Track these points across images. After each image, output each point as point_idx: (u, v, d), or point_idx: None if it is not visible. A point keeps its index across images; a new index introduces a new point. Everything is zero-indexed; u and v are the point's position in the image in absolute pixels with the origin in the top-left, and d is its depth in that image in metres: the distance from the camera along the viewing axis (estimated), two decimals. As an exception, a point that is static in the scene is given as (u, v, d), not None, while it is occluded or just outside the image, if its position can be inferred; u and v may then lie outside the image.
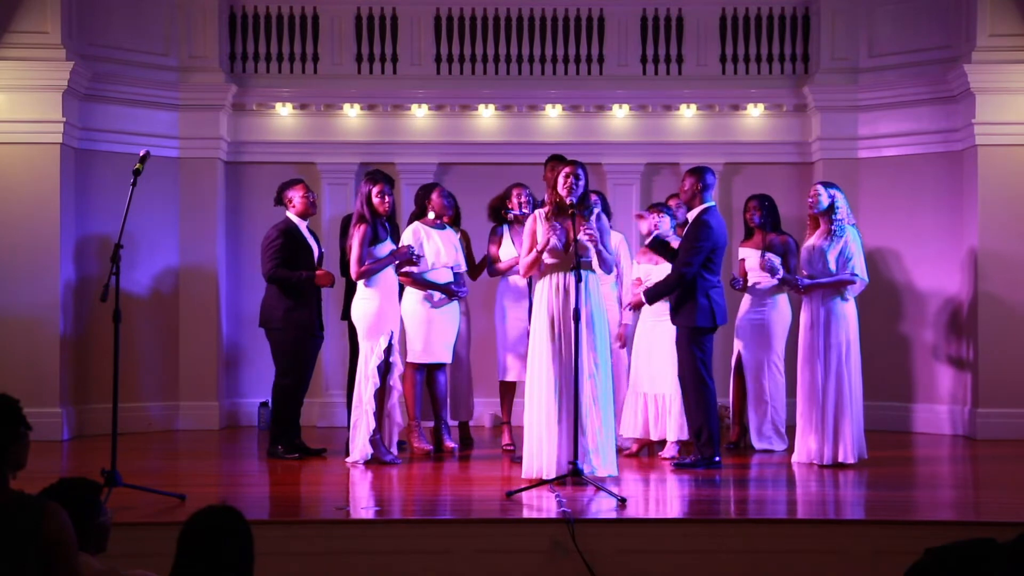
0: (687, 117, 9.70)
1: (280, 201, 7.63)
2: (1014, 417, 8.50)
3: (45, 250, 8.50)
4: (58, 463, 7.35)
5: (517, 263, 7.56)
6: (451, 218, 7.90)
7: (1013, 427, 8.47)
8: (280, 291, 7.44)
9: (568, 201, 6.34)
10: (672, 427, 7.35)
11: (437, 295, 7.45)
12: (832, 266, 7.03)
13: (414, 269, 7.35)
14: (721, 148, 9.69)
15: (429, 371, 7.62)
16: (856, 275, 7.04)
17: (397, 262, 7.18)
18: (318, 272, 7.45)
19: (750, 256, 7.90)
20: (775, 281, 7.63)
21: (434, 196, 7.65)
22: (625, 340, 7.74)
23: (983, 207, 8.67)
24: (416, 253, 7.27)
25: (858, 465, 6.99)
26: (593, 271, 6.50)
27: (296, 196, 7.55)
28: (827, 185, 7.19)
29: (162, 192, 9.19)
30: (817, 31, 9.63)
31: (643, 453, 7.60)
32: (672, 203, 7.84)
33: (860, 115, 9.44)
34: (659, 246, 7.36)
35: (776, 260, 7.38)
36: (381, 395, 7.07)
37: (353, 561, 5.12)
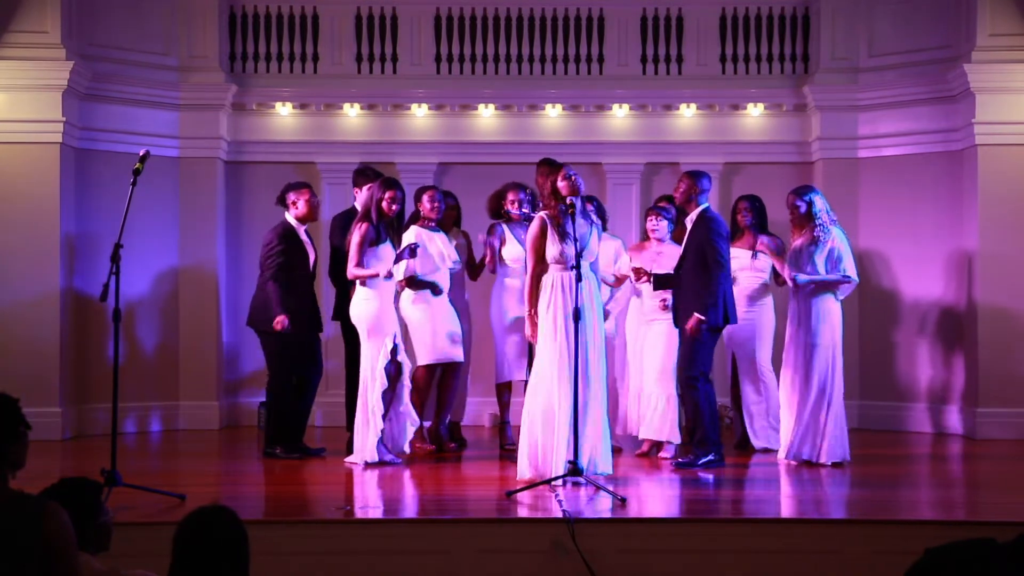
0: (687, 117, 9.70)
1: (282, 202, 7.59)
2: (1014, 417, 8.50)
3: (45, 250, 8.50)
4: (58, 463, 7.34)
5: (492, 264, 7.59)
6: (451, 220, 7.88)
7: (1013, 427, 8.47)
8: (277, 297, 7.39)
9: (570, 201, 6.33)
10: (667, 427, 7.34)
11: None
12: (821, 268, 7.05)
13: (416, 267, 7.32)
14: (721, 148, 9.69)
15: (442, 371, 7.58)
16: (848, 276, 7.06)
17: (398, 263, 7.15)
18: (276, 320, 7.25)
19: (740, 256, 7.88)
20: (764, 280, 7.68)
21: (424, 199, 7.58)
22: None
23: (983, 207, 8.66)
24: (416, 244, 7.21)
25: (858, 465, 6.99)
26: (591, 271, 6.50)
27: (301, 200, 7.51)
28: (800, 193, 7.21)
29: (162, 192, 9.19)
30: (817, 31, 9.63)
31: (653, 452, 7.57)
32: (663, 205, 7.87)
33: (860, 115, 9.44)
34: (663, 280, 7.26)
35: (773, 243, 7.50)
36: (389, 396, 7.05)
37: (353, 561, 5.12)
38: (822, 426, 7.01)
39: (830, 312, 7.07)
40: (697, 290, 6.84)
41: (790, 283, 7.22)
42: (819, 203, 7.08)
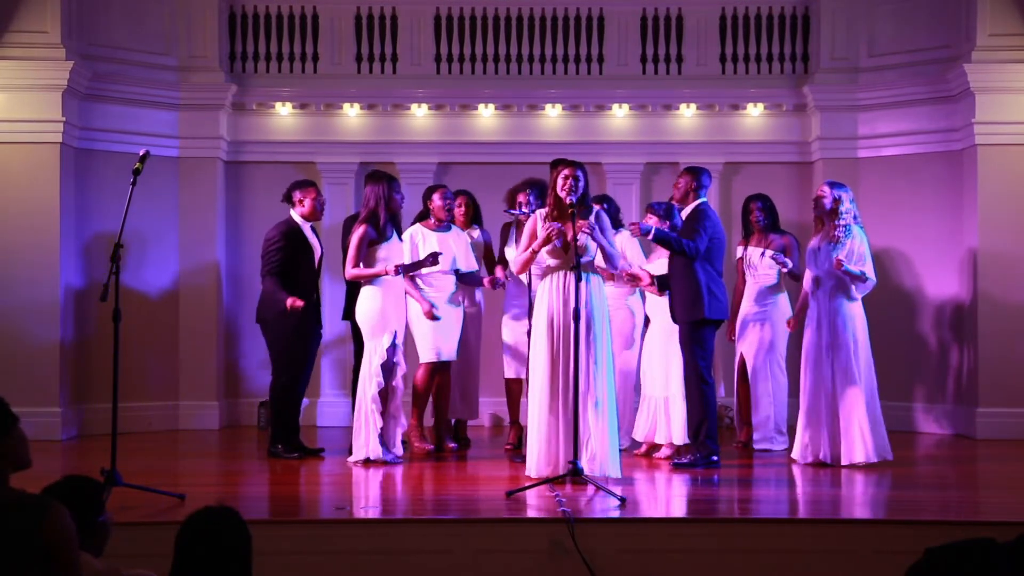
0: (687, 117, 9.70)
1: (288, 199, 7.61)
2: (1014, 417, 8.50)
3: (45, 250, 8.50)
4: (58, 463, 7.34)
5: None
6: (466, 217, 7.86)
7: (1013, 427, 8.47)
8: (279, 287, 7.39)
9: (567, 201, 6.33)
10: (671, 430, 7.32)
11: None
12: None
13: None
14: (721, 148, 9.69)
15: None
16: (864, 273, 7.01)
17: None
18: (289, 300, 7.20)
19: (752, 255, 7.89)
20: (774, 279, 7.67)
21: (435, 198, 7.62)
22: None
23: (983, 207, 8.66)
24: (439, 252, 7.22)
25: (858, 465, 6.97)
26: (595, 272, 6.49)
27: (307, 199, 7.53)
28: (834, 185, 7.14)
29: (162, 192, 9.19)
30: (817, 31, 9.63)
31: (652, 453, 7.56)
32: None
33: (860, 115, 9.44)
34: (662, 240, 7.22)
35: (781, 256, 7.50)
36: (385, 395, 7.05)
37: (353, 561, 5.12)
38: (852, 426, 6.94)
39: (852, 314, 7.00)
40: (684, 286, 6.86)
41: (806, 279, 7.20)
42: (847, 202, 7.02)
